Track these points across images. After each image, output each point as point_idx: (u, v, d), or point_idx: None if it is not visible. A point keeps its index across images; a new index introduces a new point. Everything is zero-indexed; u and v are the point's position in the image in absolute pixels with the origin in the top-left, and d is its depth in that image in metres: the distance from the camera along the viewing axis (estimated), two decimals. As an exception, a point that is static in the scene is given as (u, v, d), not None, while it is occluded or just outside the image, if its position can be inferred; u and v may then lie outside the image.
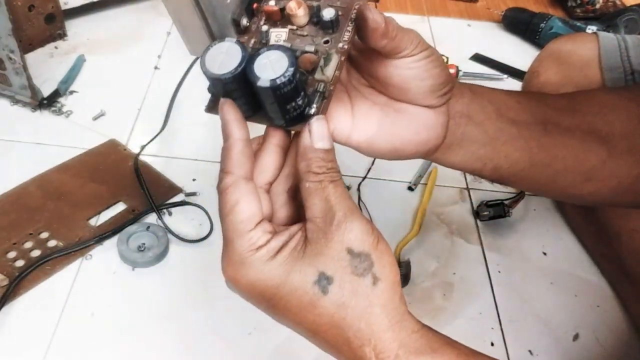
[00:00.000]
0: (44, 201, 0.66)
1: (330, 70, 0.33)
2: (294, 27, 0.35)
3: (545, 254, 0.70)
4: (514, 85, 0.96)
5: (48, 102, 0.80)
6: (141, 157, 0.73)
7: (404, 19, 1.11)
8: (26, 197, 0.67)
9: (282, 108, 0.32)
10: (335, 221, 0.31)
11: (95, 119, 0.79)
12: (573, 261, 0.70)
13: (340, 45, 0.34)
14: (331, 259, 0.31)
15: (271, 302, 0.32)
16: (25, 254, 0.61)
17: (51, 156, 0.72)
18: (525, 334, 0.62)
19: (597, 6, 1.12)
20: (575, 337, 0.62)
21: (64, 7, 0.92)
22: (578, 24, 1.04)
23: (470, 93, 0.41)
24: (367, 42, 0.34)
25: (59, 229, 0.64)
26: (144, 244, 0.63)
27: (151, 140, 0.76)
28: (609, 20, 1.04)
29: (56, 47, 0.92)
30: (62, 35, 0.93)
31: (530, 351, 0.60)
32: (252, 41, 0.35)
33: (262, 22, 0.35)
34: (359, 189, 0.74)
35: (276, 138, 0.35)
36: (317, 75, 0.33)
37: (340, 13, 0.34)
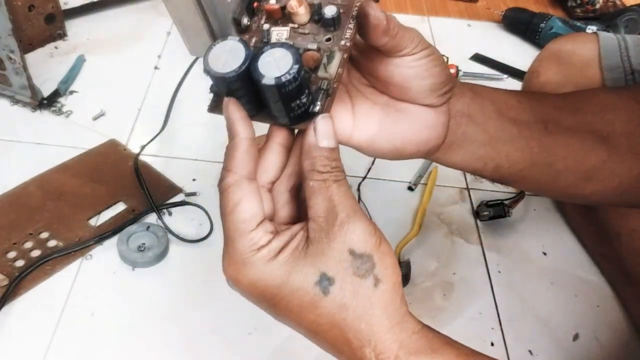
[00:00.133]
0: (44, 201, 0.66)
1: (333, 68, 0.33)
2: (295, 26, 0.34)
3: (545, 254, 0.70)
4: (514, 85, 0.96)
5: (48, 102, 0.80)
6: (141, 157, 0.73)
7: (404, 19, 1.10)
8: (26, 197, 0.67)
9: (286, 106, 0.31)
10: (337, 221, 0.31)
11: (95, 119, 0.79)
12: (573, 261, 0.70)
13: (343, 42, 0.34)
14: (333, 259, 0.31)
15: (272, 301, 0.31)
16: (25, 254, 0.61)
17: (51, 156, 0.72)
18: (525, 334, 0.62)
19: (597, 6, 1.12)
20: (575, 337, 0.62)
21: (64, 7, 0.92)
22: (578, 24, 1.04)
23: (471, 93, 0.41)
24: (368, 40, 0.34)
25: (59, 229, 0.64)
26: (144, 244, 0.63)
27: (151, 140, 0.76)
28: (609, 20, 1.04)
29: (56, 47, 0.92)
30: (62, 35, 0.93)
31: (530, 351, 0.60)
32: (254, 40, 0.35)
33: (262, 21, 0.35)
34: (359, 189, 0.74)
35: (280, 137, 0.35)
36: (320, 73, 0.33)
37: (341, 11, 0.34)
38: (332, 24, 0.34)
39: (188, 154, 0.76)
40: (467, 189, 0.77)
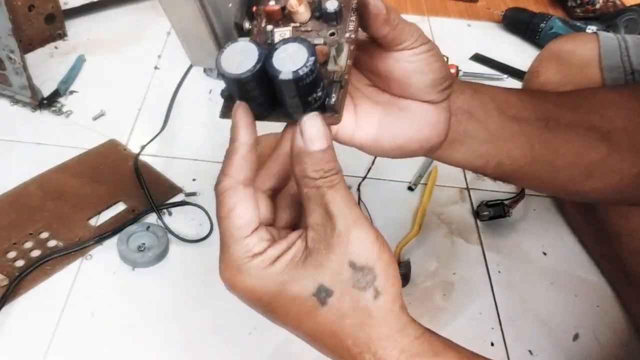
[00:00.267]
0: (44, 201, 0.66)
1: (343, 60, 0.33)
2: (297, 25, 0.34)
3: (545, 254, 0.70)
4: (514, 85, 0.96)
5: (48, 102, 0.80)
6: (141, 157, 0.73)
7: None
8: (26, 197, 0.67)
9: (303, 101, 0.31)
10: (336, 232, 0.30)
11: (95, 119, 0.79)
12: (573, 261, 0.70)
13: (347, 35, 0.34)
14: (332, 272, 0.30)
15: (269, 307, 0.31)
16: (25, 254, 0.61)
17: (51, 156, 0.72)
18: (525, 334, 0.62)
19: (597, 6, 1.12)
20: (575, 337, 0.62)
21: (64, 7, 0.92)
22: (578, 24, 1.04)
23: (471, 90, 0.41)
24: (370, 31, 0.34)
25: (59, 229, 0.64)
26: (144, 244, 0.63)
27: (151, 140, 0.76)
28: (609, 20, 1.04)
29: (56, 47, 0.92)
30: (62, 35, 0.93)
31: (530, 351, 0.60)
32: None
33: (263, 24, 0.35)
34: (359, 189, 0.74)
35: (288, 147, 0.34)
36: (330, 67, 0.33)
37: (342, 4, 0.34)
38: (335, 18, 0.34)
39: (188, 154, 0.76)
40: (467, 189, 0.77)
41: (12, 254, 0.60)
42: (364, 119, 0.37)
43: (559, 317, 0.63)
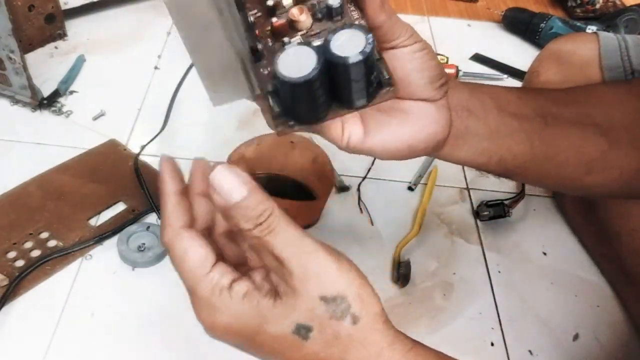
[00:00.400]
0: (44, 201, 0.66)
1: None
2: (303, 32, 0.35)
3: (545, 254, 0.70)
4: (514, 85, 0.96)
5: (48, 102, 0.80)
6: (141, 157, 0.73)
7: (404, 19, 1.11)
8: (26, 197, 0.67)
9: (367, 81, 0.32)
10: (294, 275, 0.29)
11: (95, 119, 0.79)
12: (573, 261, 0.70)
13: (356, 24, 0.34)
14: (305, 310, 0.30)
15: (254, 343, 0.31)
16: (25, 254, 0.61)
17: (51, 156, 0.72)
18: (525, 334, 0.62)
19: (597, 6, 1.12)
20: (575, 337, 0.62)
21: (64, 7, 0.92)
22: (578, 24, 1.04)
23: (468, 89, 0.42)
24: (368, 18, 0.34)
25: (59, 229, 0.64)
26: (144, 244, 0.63)
27: (151, 140, 0.76)
28: (609, 20, 1.04)
29: (56, 47, 0.92)
30: (62, 35, 0.93)
31: (530, 351, 0.60)
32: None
33: (270, 43, 0.35)
34: (359, 189, 0.74)
35: (199, 187, 0.35)
36: None
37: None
38: (340, 12, 0.34)
39: (188, 154, 0.75)
40: (467, 189, 0.77)
41: (12, 254, 0.60)
42: (371, 126, 0.38)
43: (559, 317, 0.63)
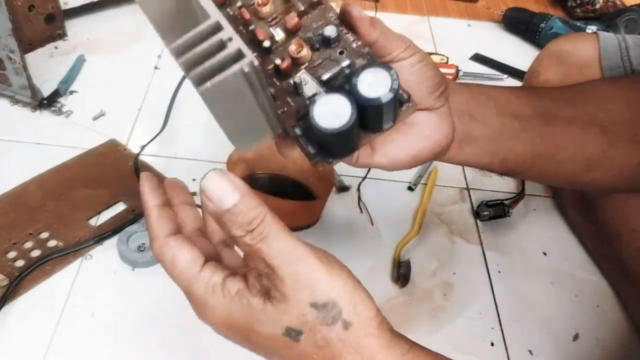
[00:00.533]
0: (44, 201, 0.66)
1: (378, 61, 0.35)
2: (306, 64, 0.36)
3: (545, 254, 0.70)
4: (514, 85, 0.96)
5: (48, 102, 0.80)
6: (141, 157, 0.73)
7: (404, 19, 1.11)
8: (26, 197, 0.67)
9: (395, 107, 0.33)
10: (285, 282, 0.29)
11: (95, 119, 0.80)
12: (573, 261, 0.70)
13: (354, 45, 0.35)
14: (296, 315, 0.30)
15: (249, 339, 0.32)
16: (25, 254, 0.61)
17: (51, 156, 0.72)
18: (525, 334, 0.62)
19: (597, 6, 1.12)
20: (575, 337, 0.62)
21: (64, 7, 0.92)
22: (578, 24, 1.04)
23: (468, 91, 0.43)
24: (361, 37, 0.35)
25: (59, 229, 0.64)
26: (144, 244, 0.63)
27: (151, 140, 0.76)
28: (609, 20, 1.04)
29: (56, 47, 0.92)
30: (62, 35, 0.93)
31: (530, 351, 0.60)
32: (299, 99, 0.36)
33: (279, 83, 0.36)
34: (359, 189, 0.74)
35: (179, 197, 0.36)
36: None
37: (338, 28, 0.36)
38: (338, 39, 0.35)
39: (188, 154, 0.76)
40: (467, 189, 0.77)
41: (12, 254, 0.60)
42: (377, 142, 0.38)
43: (559, 317, 0.64)
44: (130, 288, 0.60)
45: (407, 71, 0.36)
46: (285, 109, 0.35)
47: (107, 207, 0.67)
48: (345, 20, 0.36)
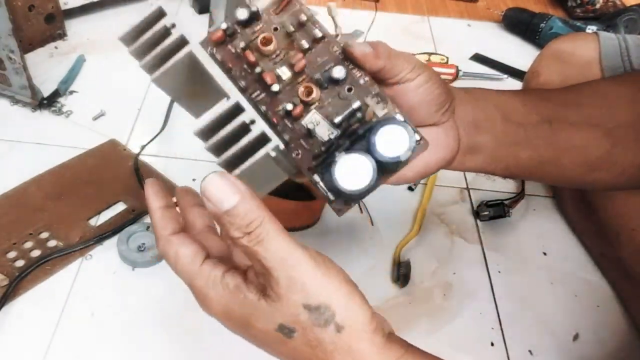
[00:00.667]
0: (44, 201, 0.66)
1: (388, 100, 0.35)
2: (315, 104, 0.36)
3: (545, 254, 0.70)
4: (514, 85, 0.96)
5: (48, 102, 0.80)
6: (141, 157, 0.73)
7: (404, 19, 1.11)
8: (26, 197, 0.67)
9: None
10: (280, 284, 0.30)
11: (95, 119, 0.79)
12: (573, 261, 0.70)
13: (362, 82, 0.36)
14: (289, 315, 0.30)
15: (248, 332, 0.33)
16: (25, 254, 0.61)
17: (51, 156, 0.72)
18: (525, 334, 0.62)
19: (597, 6, 1.12)
20: (575, 337, 0.62)
21: (64, 7, 0.92)
22: (578, 24, 1.04)
23: (473, 99, 0.43)
24: (367, 69, 0.35)
25: (59, 229, 0.64)
26: (144, 244, 0.63)
27: (151, 140, 0.76)
28: (609, 20, 1.04)
29: (56, 47, 0.92)
30: (62, 35, 0.93)
31: (530, 351, 0.60)
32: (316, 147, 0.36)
33: (290, 124, 0.36)
34: (359, 189, 0.74)
35: (190, 201, 0.38)
36: (382, 113, 0.35)
37: (346, 68, 0.36)
38: (345, 79, 0.35)
39: (188, 154, 0.76)
40: (467, 189, 0.77)
41: (12, 254, 0.60)
42: None
43: (559, 317, 0.64)
44: (130, 288, 0.60)
45: (413, 92, 0.37)
46: (300, 151, 0.35)
47: (107, 207, 0.67)
48: (349, 57, 0.35)
